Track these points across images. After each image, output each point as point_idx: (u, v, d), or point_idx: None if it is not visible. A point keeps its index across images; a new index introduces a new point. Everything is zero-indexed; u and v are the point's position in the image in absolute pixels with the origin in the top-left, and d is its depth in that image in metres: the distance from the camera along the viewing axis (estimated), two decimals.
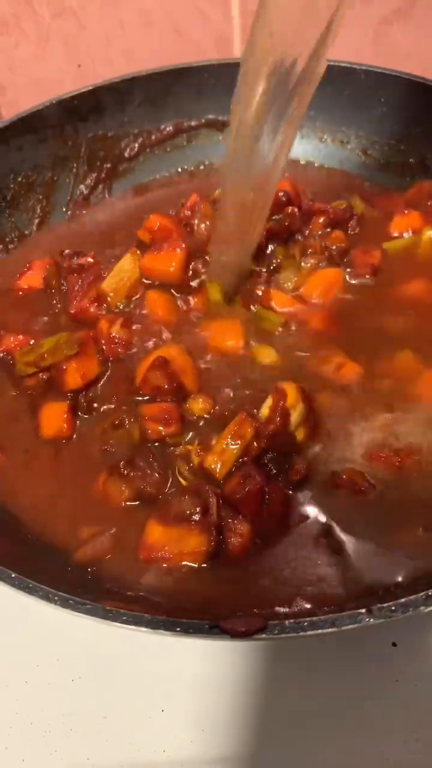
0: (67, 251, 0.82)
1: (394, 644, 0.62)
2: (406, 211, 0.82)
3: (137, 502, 0.60)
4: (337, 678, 0.61)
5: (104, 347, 0.70)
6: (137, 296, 0.74)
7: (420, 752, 0.57)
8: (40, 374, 0.68)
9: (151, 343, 0.70)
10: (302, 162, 0.98)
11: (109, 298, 0.74)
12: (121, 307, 0.74)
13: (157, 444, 0.62)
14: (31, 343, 0.71)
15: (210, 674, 0.61)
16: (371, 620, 0.41)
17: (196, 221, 0.79)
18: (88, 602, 0.43)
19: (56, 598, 0.43)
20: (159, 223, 0.79)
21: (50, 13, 1.10)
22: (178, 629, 0.42)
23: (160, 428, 0.62)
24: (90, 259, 0.79)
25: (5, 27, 1.10)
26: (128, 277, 0.75)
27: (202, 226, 0.79)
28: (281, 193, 0.80)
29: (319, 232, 0.80)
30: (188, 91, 0.97)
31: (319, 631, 0.41)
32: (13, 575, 0.45)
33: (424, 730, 0.58)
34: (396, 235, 0.81)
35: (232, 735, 0.58)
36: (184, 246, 0.74)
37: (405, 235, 0.81)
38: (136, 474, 0.59)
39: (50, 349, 0.67)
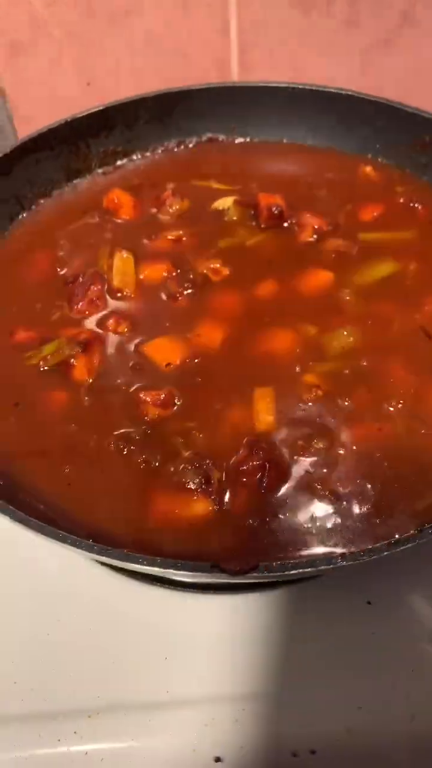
0: (65, 257, 0.89)
1: (368, 603, 0.72)
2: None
3: (141, 474, 0.66)
4: (319, 632, 0.69)
5: (109, 344, 0.78)
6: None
7: (388, 693, 0.66)
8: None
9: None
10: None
11: (127, 293, 0.84)
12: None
13: (155, 423, 0.70)
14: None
15: (206, 629, 0.69)
16: (344, 562, 0.50)
17: (162, 212, 0.95)
18: (110, 548, 0.52)
19: (83, 545, 0.52)
20: (117, 198, 0.95)
21: (63, 35, 1.19)
22: (185, 569, 0.50)
23: (158, 411, 0.70)
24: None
25: (22, 47, 1.19)
26: (129, 271, 0.85)
27: (167, 216, 0.94)
28: (275, 208, 0.90)
29: (310, 238, 0.90)
30: (190, 112, 1.05)
31: (300, 570, 0.49)
32: (46, 527, 0.53)
33: (392, 675, 0.67)
34: None
35: (224, 679, 0.66)
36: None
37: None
38: (138, 450, 0.67)
39: (52, 352, 0.76)
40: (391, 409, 0.71)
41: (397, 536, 0.55)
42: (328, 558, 0.50)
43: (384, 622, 0.70)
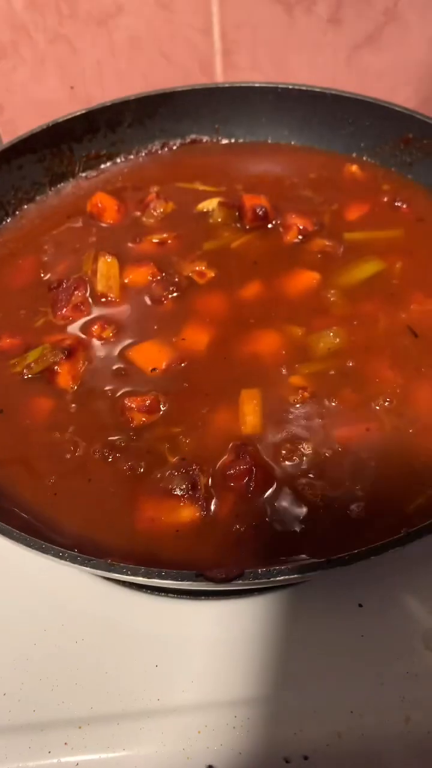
0: (48, 262, 0.89)
1: (360, 605, 0.71)
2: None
3: (127, 481, 0.66)
4: (309, 636, 0.69)
5: (94, 350, 0.77)
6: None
7: (381, 695, 0.65)
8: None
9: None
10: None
11: (111, 298, 0.83)
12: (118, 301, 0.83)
13: (141, 429, 0.69)
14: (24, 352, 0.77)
15: (196, 635, 0.69)
16: (330, 567, 0.49)
17: (146, 215, 0.95)
18: (93, 558, 0.51)
19: (66, 555, 0.51)
20: (100, 202, 0.94)
21: (45, 39, 1.18)
22: (169, 578, 0.50)
23: (143, 417, 0.69)
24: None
25: (4, 52, 1.18)
26: (113, 275, 0.84)
27: (151, 219, 0.94)
28: (259, 209, 0.89)
29: (296, 239, 0.89)
30: (174, 114, 1.05)
31: (286, 576, 0.49)
32: (28, 538, 0.53)
33: (385, 677, 0.66)
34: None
35: (216, 685, 0.65)
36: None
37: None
38: (124, 457, 0.67)
39: (36, 359, 0.75)
40: (378, 409, 0.70)
41: (385, 539, 0.54)
42: (314, 564, 0.50)
43: (376, 624, 0.69)
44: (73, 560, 0.51)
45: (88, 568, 0.51)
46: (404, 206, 0.93)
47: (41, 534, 0.61)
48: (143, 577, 0.50)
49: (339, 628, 0.69)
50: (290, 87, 1.02)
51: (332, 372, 0.73)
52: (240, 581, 0.49)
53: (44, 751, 0.63)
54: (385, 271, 0.84)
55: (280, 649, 0.68)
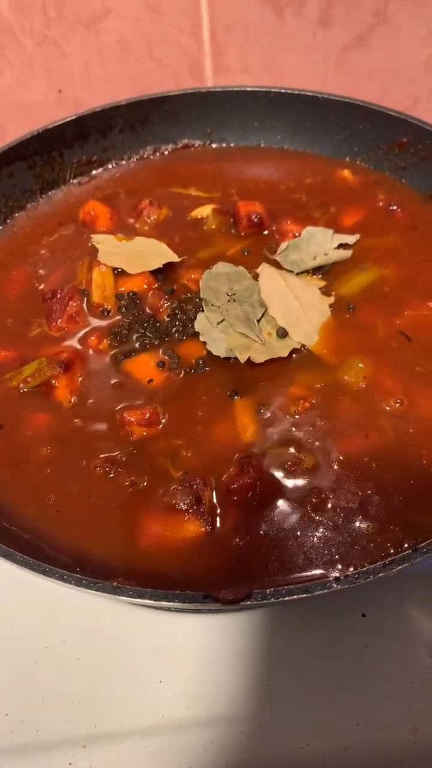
0: (41, 271, 0.88)
1: (363, 615, 0.71)
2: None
3: (129, 497, 0.65)
4: (314, 648, 0.68)
5: (91, 362, 0.76)
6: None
7: (387, 706, 0.65)
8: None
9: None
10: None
11: (107, 306, 0.81)
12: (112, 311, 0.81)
13: (141, 443, 0.68)
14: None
15: (200, 649, 0.68)
16: (338, 586, 0.49)
17: (140, 222, 0.94)
18: (99, 581, 0.50)
19: (71, 579, 0.50)
20: (93, 210, 0.94)
21: (33, 42, 1.16)
22: (176, 600, 0.49)
23: (143, 430, 0.68)
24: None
25: None
26: (109, 285, 0.82)
27: (145, 227, 0.93)
28: (254, 216, 0.89)
29: None
30: (165, 118, 1.04)
31: (295, 596, 0.48)
32: (31, 561, 0.52)
33: (391, 688, 0.66)
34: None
35: (221, 700, 0.65)
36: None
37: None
38: (125, 472, 0.66)
39: (32, 373, 0.74)
40: (380, 416, 0.70)
41: (392, 553, 0.54)
42: (322, 583, 0.49)
43: (380, 634, 0.69)
44: (78, 583, 0.50)
45: (93, 591, 0.50)
46: (399, 210, 0.93)
47: (43, 553, 0.60)
48: (150, 599, 0.49)
49: (343, 639, 0.69)
50: (282, 91, 1.02)
51: (332, 381, 0.73)
52: (248, 602, 0.49)
53: None
54: (382, 278, 0.84)
55: (285, 662, 0.68)
